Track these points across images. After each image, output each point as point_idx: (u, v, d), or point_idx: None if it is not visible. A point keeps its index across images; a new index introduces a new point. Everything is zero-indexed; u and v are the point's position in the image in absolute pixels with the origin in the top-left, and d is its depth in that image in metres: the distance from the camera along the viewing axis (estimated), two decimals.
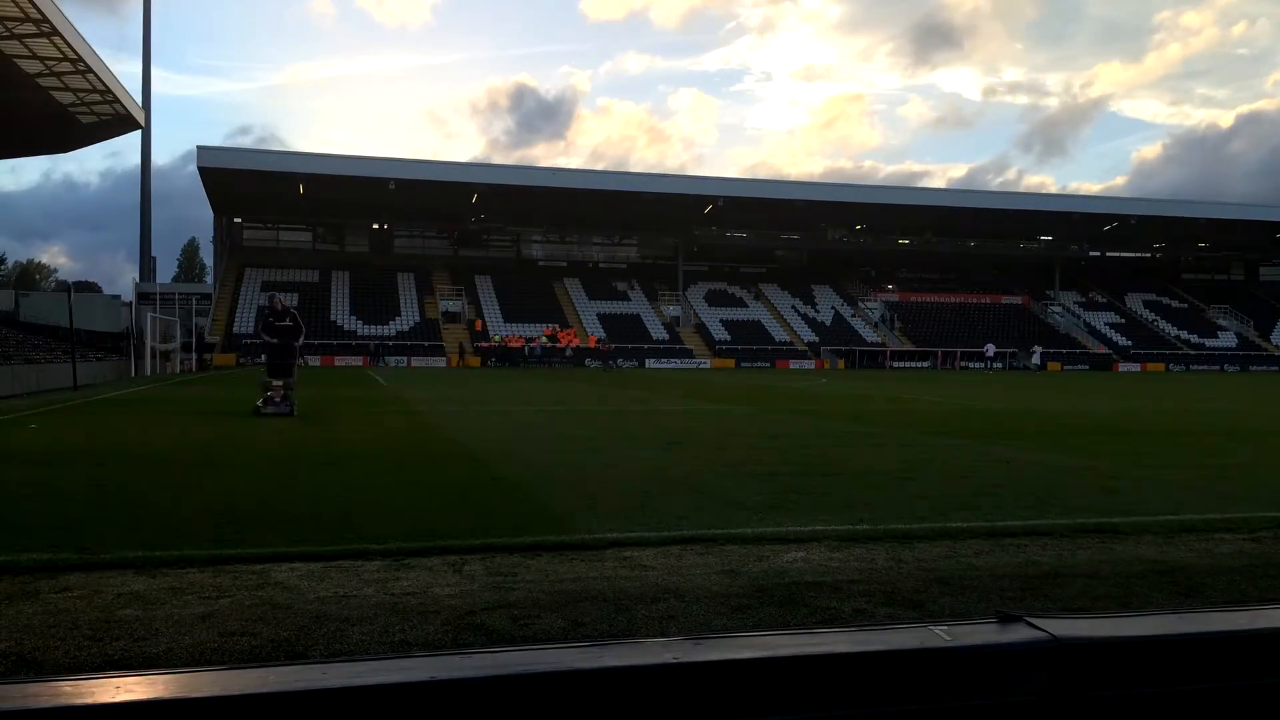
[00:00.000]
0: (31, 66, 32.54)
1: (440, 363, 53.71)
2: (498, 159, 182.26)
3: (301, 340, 16.87)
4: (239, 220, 65.24)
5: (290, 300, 57.83)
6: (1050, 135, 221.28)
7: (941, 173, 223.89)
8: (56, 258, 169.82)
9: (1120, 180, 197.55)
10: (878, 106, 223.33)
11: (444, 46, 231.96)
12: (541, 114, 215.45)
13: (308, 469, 9.28)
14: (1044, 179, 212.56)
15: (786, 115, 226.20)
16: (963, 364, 60.56)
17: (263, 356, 18.81)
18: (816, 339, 61.94)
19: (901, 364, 60.53)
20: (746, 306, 65.72)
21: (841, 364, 58.89)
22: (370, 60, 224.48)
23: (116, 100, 36.69)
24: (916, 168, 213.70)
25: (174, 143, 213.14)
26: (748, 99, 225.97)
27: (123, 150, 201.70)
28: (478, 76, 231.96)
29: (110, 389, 26.02)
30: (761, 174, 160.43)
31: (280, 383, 15.86)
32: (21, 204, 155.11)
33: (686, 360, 57.26)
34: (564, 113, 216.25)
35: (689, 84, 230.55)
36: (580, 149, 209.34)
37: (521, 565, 5.20)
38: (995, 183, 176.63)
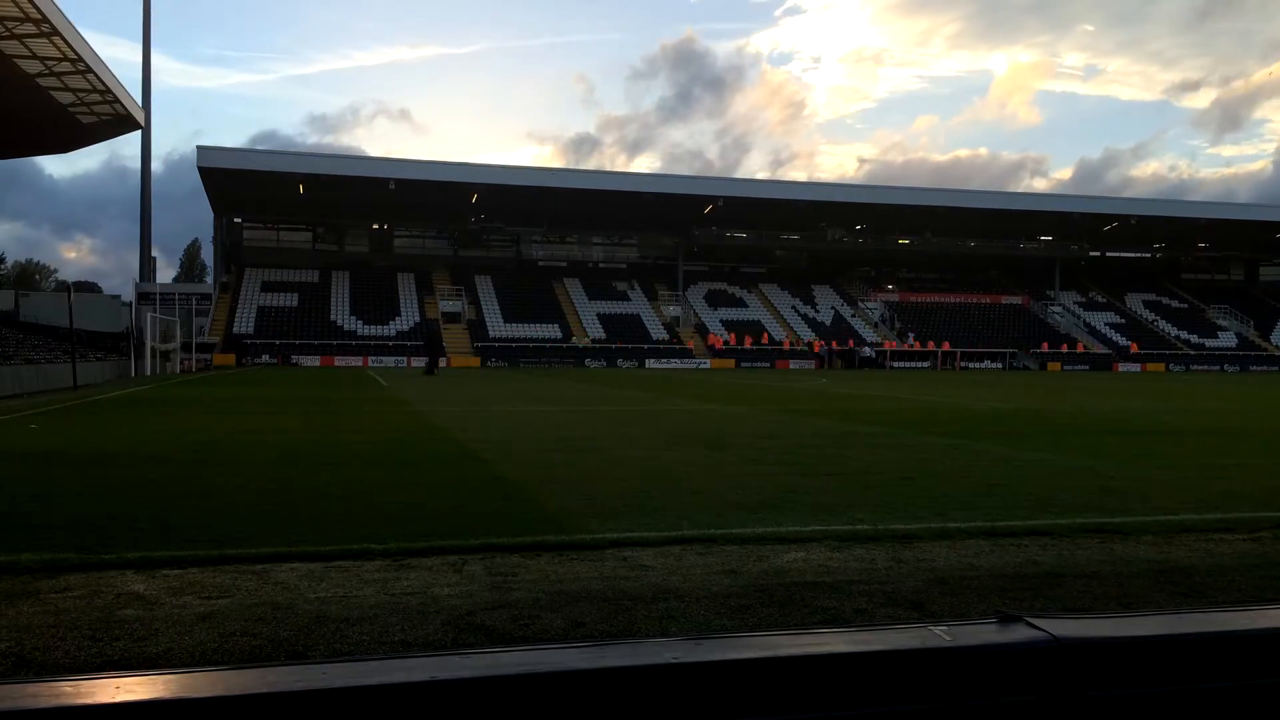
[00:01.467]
0: (31, 66, 32.54)
1: (439, 362, 53.65)
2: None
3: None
4: (239, 220, 65.25)
5: (290, 301, 57.86)
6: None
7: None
8: (87, 256, 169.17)
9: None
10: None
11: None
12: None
13: (308, 469, 9.28)
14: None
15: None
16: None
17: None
18: (816, 339, 61.93)
19: (901, 364, 60.54)
20: (746, 306, 65.73)
21: (840, 364, 58.89)
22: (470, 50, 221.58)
23: (116, 100, 36.68)
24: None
25: (244, 128, 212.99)
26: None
27: (173, 139, 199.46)
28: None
29: (110, 389, 26.02)
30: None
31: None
32: (71, 192, 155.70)
33: (686, 360, 57.27)
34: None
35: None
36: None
37: (521, 565, 5.20)
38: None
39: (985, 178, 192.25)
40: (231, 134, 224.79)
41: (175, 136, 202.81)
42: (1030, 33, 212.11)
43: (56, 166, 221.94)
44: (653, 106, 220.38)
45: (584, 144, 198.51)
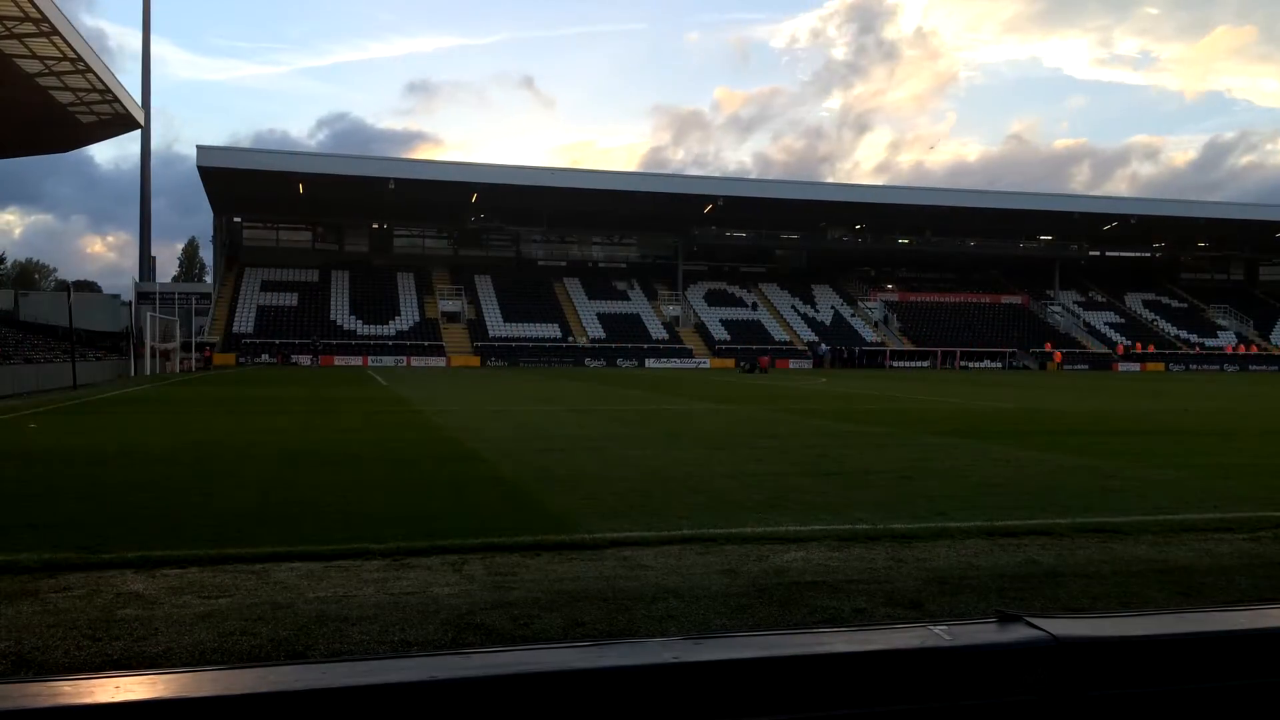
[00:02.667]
0: (31, 66, 32.54)
1: (440, 362, 53.72)
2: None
3: None
4: (239, 220, 65.25)
5: (290, 301, 57.85)
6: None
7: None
8: (128, 247, 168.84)
9: None
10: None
11: None
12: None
13: (308, 469, 9.28)
14: None
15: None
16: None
17: None
18: (816, 338, 61.94)
19: (901, 364, 60.55)
20: (746, 306, 65.73)
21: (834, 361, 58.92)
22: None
23: (116, 100, 36.68)
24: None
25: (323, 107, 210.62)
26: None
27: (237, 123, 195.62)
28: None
29: (110, 389, 26.01)
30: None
31: None
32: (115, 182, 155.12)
33: (686, 360, 57.27)
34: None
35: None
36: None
37: (521, 565, 5.20)
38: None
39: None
40: (301, 120, 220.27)
41: (235, 122, 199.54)
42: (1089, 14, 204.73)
43: (107, 152, 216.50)
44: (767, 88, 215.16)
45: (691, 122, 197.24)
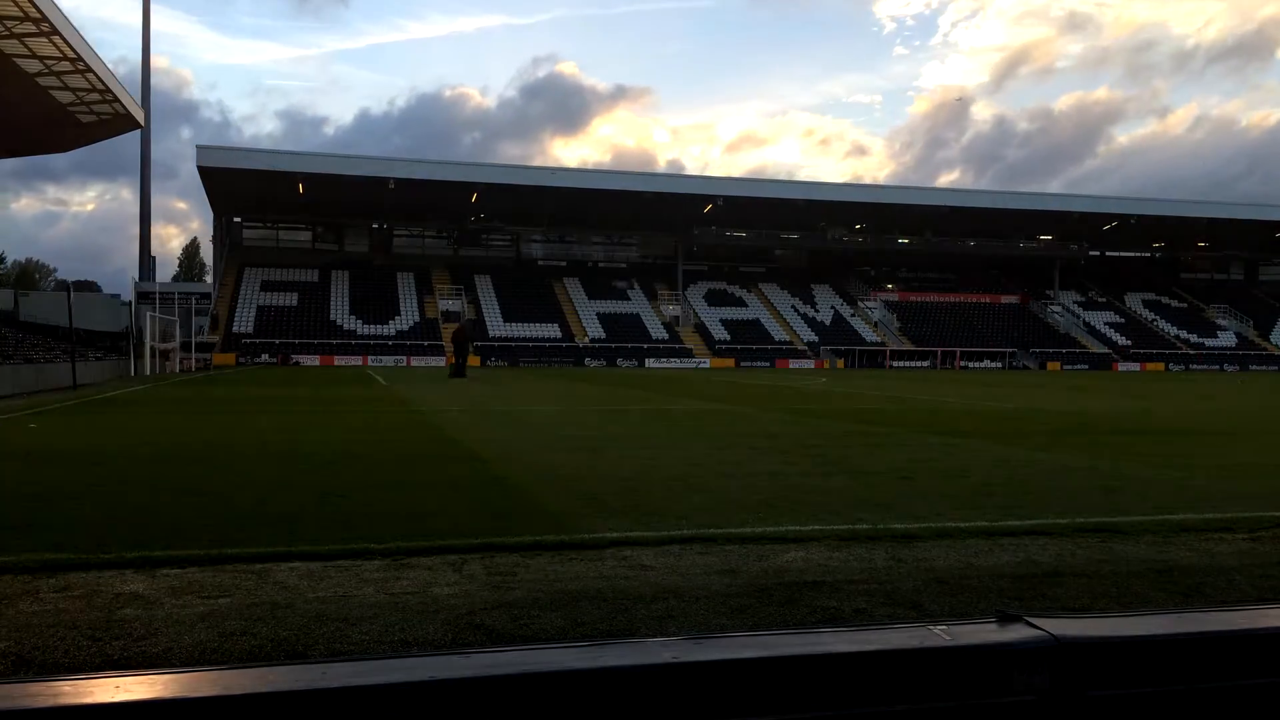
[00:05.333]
0: (31, 66, 32.53)
1: (440, 362, 53.75)
2: None
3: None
4: (239, 220, 65.25)
5: (290, 300, 57.72)
6: None
7: None
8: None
9: None
10: None
11: None
12: None
13: (308, 469, 9.28)
14: None
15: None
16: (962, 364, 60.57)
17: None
18: (816, 339, 61.95)
19: (901, 364, 60.54)
20: (746, 306, 65.73)
21: (841, 364, 58.93)
22: None
23: (116, 100, 36.68)
24: None
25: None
26: None
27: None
28: None
29: (110, 388, 26.01)
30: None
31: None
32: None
33: (686, 360, 57.27)
34: None
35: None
36: None
37: (521, 565, 5.20)
38: None
39: None
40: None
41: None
42: None
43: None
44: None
45: None
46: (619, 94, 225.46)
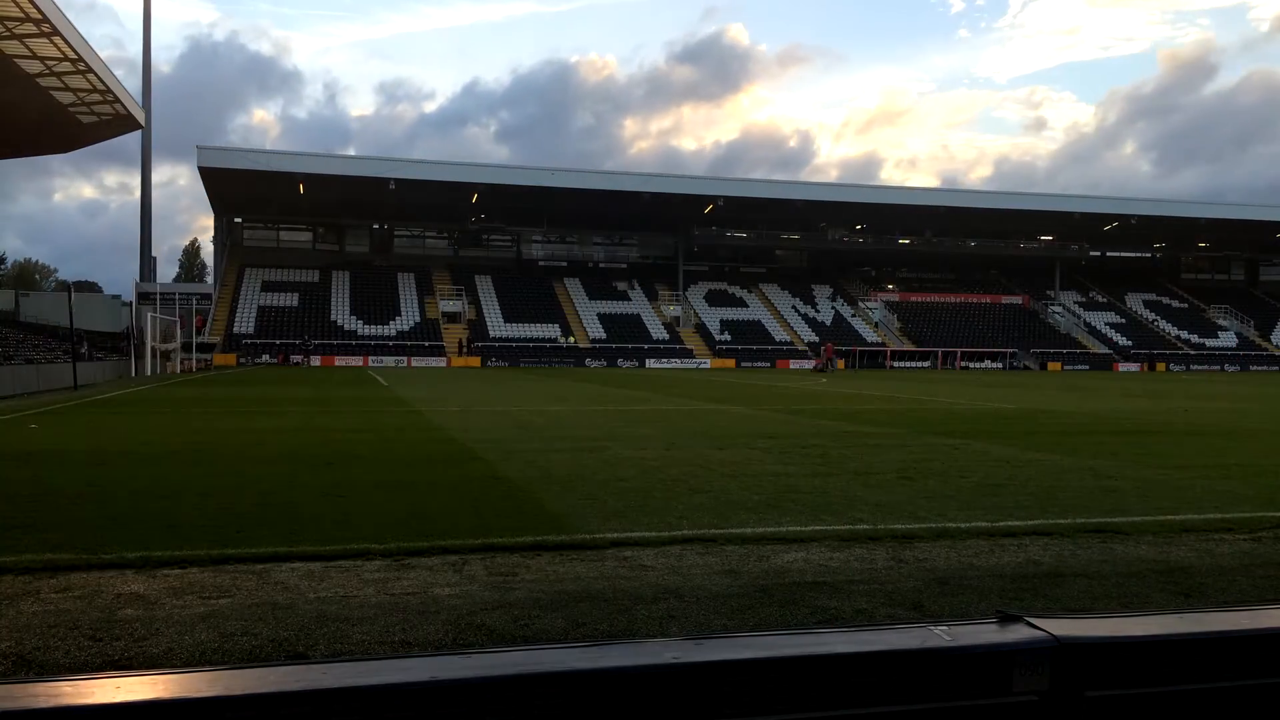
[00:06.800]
0: (32, 66, 32.54)
1: (440, 362, 53.73)
2: None
3: None
4: (239, 220, 65.25)
5: (291, 301, 57.84)
6: None
7: None
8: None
9: None
10: None
11: None
12: None
13: (308, 469, 9.28)
14: None
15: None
16: (965, 364, 60.55)
17: None
18: (816, 339, 61.93)
19: (902, 364, 60.55)
20: (747, 306, 65.72)
21: (841, 364, 58.91)
22: None
23: (117, 100, 36.69)
24: None
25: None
26: None
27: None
28: None
29: (110, 389, 26.02)
30: None
31: None
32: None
33: (687, 360, 57.27)
34: None
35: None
36: None
37: (522, 565, 5.20)
38: None
39: None
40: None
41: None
42: None
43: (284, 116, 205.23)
44: None
45: None
46: (784, 57, 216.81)
